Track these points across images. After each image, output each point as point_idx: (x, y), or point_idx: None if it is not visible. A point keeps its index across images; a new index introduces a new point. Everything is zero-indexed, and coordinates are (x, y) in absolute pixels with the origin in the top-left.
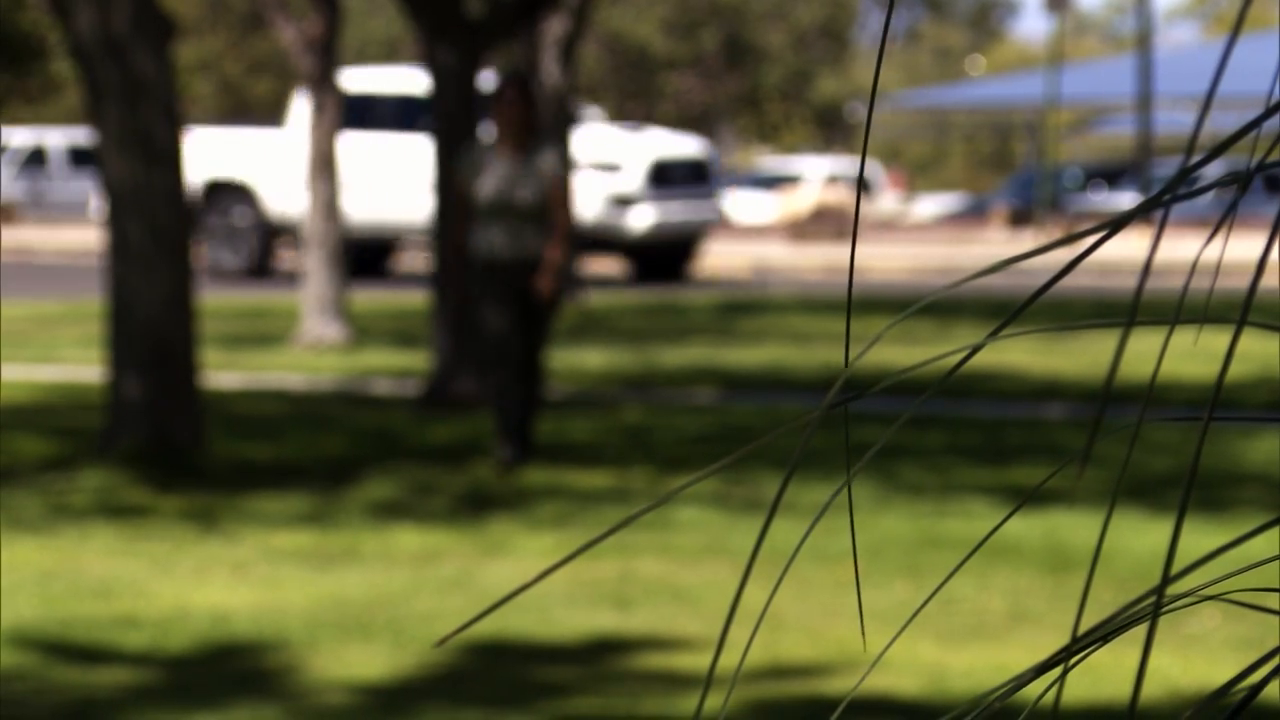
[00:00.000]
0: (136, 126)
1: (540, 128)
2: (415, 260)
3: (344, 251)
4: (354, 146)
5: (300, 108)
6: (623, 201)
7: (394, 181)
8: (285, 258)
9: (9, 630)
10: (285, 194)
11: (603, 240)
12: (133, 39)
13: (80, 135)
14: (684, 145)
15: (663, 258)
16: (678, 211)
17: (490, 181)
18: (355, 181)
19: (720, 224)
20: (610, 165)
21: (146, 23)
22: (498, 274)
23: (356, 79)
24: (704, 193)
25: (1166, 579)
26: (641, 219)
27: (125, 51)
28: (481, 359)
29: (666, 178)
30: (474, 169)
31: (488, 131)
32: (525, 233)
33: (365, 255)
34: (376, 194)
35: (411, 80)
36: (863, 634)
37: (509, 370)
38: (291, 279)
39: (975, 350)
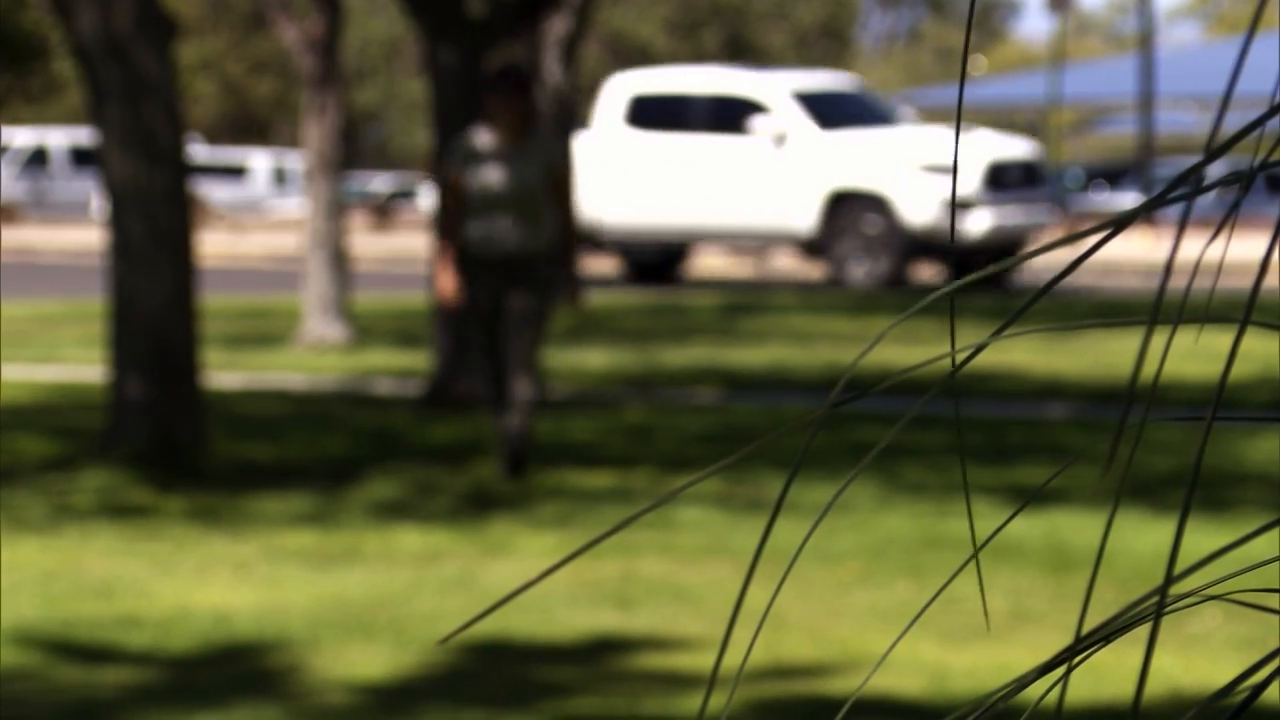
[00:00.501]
0: (138, 126)
1: (537, 119)
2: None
3: (634, 256)
4: (652, 148)
5: (604, 106)
6: (959, 205)
7: (687, 183)
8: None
9: (11, 630)
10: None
11: (935, 245)
12: (135, 39)
13: (82, 135)
14: (1015, 147)
15: (988, 263)
16: (1012, 215)
17: (484, 174)
18: (649, 184)
19: (1051, 227)
20: (944, 168)
21: (148, 22)
22: (491, 269)
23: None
24: (1036, 195)
25: (1169, 579)
26: (978, 223)
27: (127, 51)
28: (479, 360)
29: (1001, 180)
30: (466, 161)
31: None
32: (521, 226)
33: (659, 259)
34: (669, 196)
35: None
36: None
37: (501, 373)
38: (701, 284)
39: (978, 349)
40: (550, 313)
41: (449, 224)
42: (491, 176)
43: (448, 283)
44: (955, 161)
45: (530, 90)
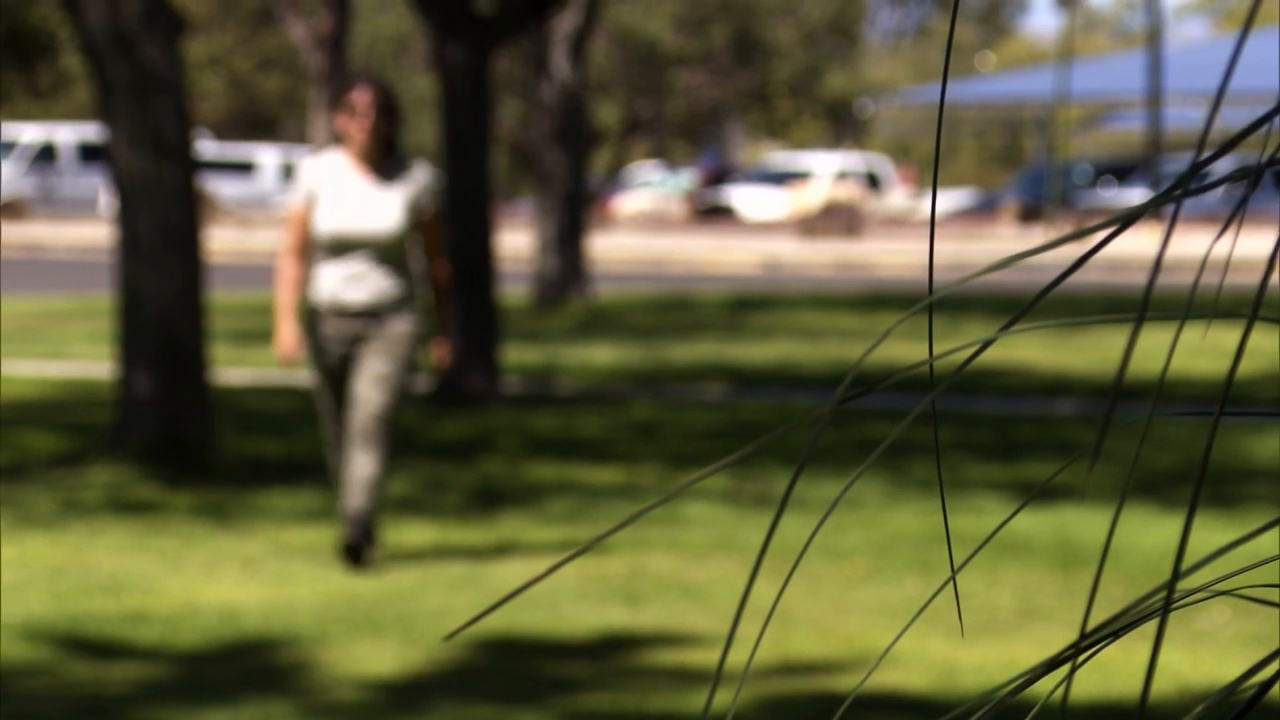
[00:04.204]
0: (147, 122)
1: (402, 144)
2: None
3: None
4: None
5: None
6: None
7: None
8: None
9: (20, 626)
10: None
11: None
12: (143, 34)
13: (90, 131)
14: None
15: None
16: None
17: (336, 208)
18: None
19: None
20: None
21: (157, 18)
22: (340, 323)
23: None
24: None
25: (1176, 574)
26: None
27: (135, 47)
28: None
29: None
30: (314, 192)
31: (335, 146)
32: (379, 272)
33: None
34: None
35: None
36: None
37: (342, 442)
38: None
39: (986, 345)
40: (411, 375)
41: (291, 266)
42: (345, 212)
43: (287, 338)
44: (937, 154)
45: (395, 110)
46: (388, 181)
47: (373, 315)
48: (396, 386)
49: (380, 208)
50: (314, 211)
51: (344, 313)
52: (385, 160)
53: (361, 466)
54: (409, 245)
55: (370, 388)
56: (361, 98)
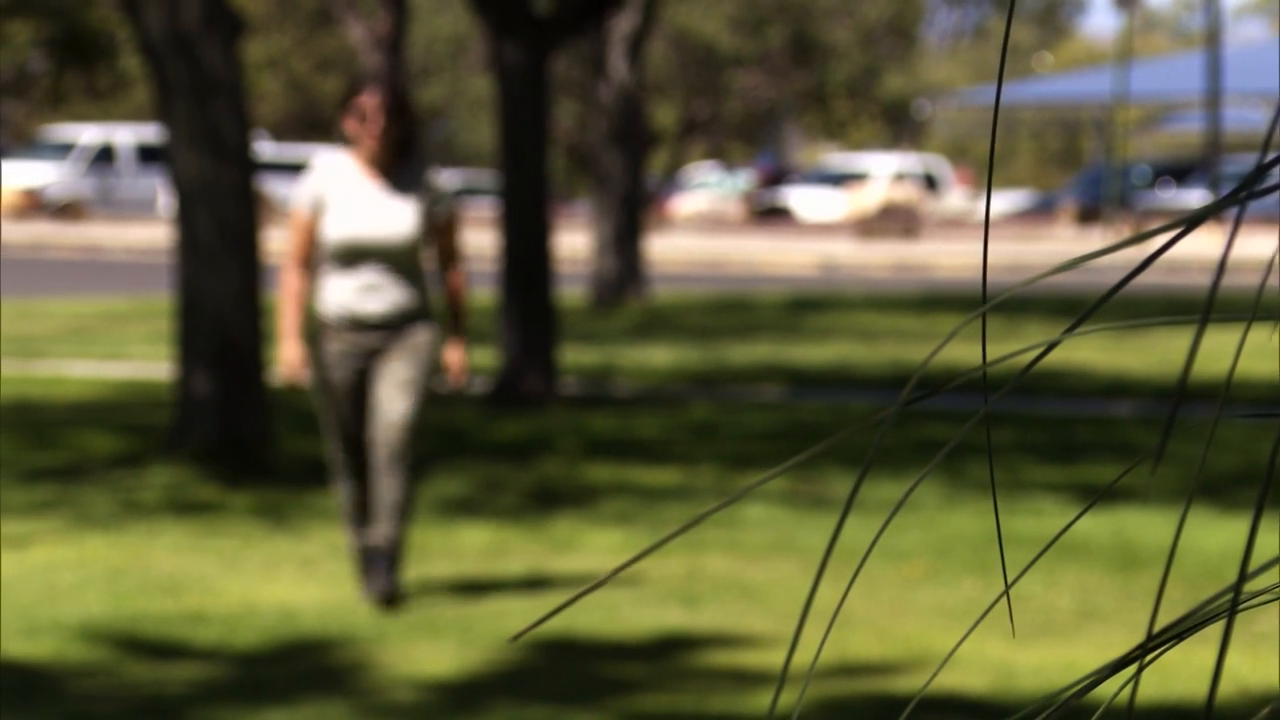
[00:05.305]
0: (205, 123)
1: (418, 147)
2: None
3: None
4: None
5: None
6: None
7: None
8: None
9: (79, 626)
10: None
11: None
12: (202, 36)
13: (149, 132)
14: None
15: None
16: None
17: (347, 216)
18: None
19: None
20: None
21: (216, 19)
22: (350, 337)
23: None
24: None
25: (1243, 577)
26: None
27: (194, 48)
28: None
29: None
30: (322, 199)
31: (344, 149)
32: (393, 283)
33: None
34: None
35: None
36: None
37: (360, 469)
38: None
39: (1051, 347)
40: (431, 394)
41: (295, 278)
42: (355, 219)
43: (292, 355)
44: (991, 156)
45: (407, 110)
46: (400, 187)
47: (390, 328)
48: (421, 392)
49: (392, 215)
50: (321, 219)
51: (360, 326)
52: (398, 164)
53: (388, 490)
54: (423, 254)
55: (394, 395)
56: (370, 101)
